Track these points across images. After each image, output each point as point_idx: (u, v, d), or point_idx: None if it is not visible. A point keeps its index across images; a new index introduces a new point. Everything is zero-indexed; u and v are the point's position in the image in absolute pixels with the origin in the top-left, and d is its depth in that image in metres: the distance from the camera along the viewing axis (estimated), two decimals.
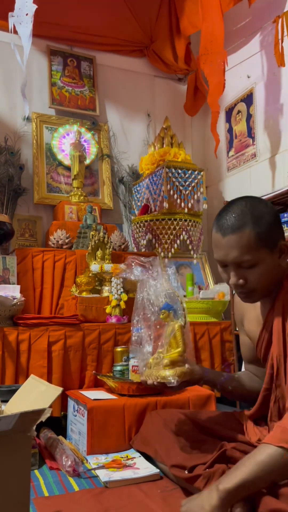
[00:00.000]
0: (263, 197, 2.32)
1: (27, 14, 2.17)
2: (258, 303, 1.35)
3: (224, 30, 2.50)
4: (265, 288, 1.24)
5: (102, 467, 1.51)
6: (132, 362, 1.88)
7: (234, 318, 1.61)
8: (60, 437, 1.77)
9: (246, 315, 1.44)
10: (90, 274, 2.33)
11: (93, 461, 1.57)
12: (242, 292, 1.26)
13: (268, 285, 1.24)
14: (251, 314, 1.41)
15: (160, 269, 1.51)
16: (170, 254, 2.76)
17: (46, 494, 1.35)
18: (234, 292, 1.35)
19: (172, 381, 1.30)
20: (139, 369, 1.47)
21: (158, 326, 1.44)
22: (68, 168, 3.01)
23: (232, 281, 1.23)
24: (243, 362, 1.60)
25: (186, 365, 1.35)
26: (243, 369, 2.25)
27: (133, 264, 1.58)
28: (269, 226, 1.18)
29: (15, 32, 2.25)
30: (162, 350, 1.39)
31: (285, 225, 2.18)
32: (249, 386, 1.48)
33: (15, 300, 2.07)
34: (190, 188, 2.78)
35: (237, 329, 2.34)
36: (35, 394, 1.09)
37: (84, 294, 2.26)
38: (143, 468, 1.50)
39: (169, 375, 1.31)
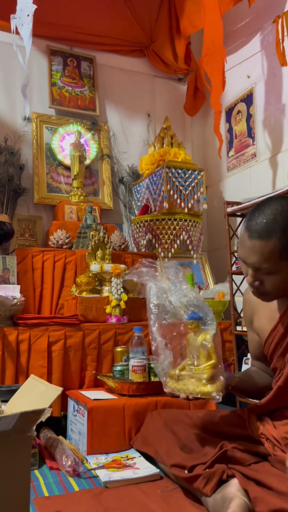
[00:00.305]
0: (263, 197, 2.32)
1: (28, 15, 2.17)
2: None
3: (224, 29, 2.50)
4: (280, 293, 1.25)
5: (102, 467, 1.51)
6: (132, 362, 1.88)
7: (243, 316, 1.59)
8: (60, 437, 1.77)
9: (257, 312, 1.44)
10: (90, 274, 2.33)
11: (93, 461, 1.57)
12: (257, 292, 1.26)
13: (284, 291, 1.24)
14: (262, 311, 1.40)
15: (181, 274, 1.45)
16: (170, 254, 2.76)
17: (46, 494, 1.35)
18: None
19: (217, 397, 1.25)
20: (160, 379, 1.38)
21: (174, 333, 1.38)
22: (68, 168, 3.01)
23: (248, 280, 1.24)
24: (250, 359, 1.59)
25: (221, 377, 1.29)
26: (243, 368, 2.25)
27: (144, 267, 1.50)
28: None
29: (17, 33, 2.25)
30: (192, 362, 1.32)
31: None
32: (258, 381, 1.47)
33: (15, 300, 2.07)
34: (190, 188, 2.78)
35: (237, 329, 2.35)
36: (35, 394, 1.09)
37: (84, 294, 2.26)
38: (143, 468, 1.50)
39: (213, 390, 1.25)
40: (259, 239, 1.17)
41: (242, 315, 1.62)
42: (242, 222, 1.26)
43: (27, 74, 2.36)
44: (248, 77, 3.01)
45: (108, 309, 2.21)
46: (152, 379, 1.89)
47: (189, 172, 2.79)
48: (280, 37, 2.52)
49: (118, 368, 1.96)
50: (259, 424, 1.36)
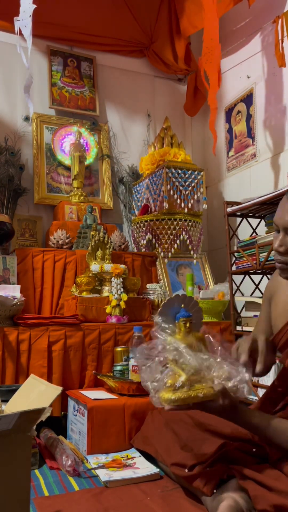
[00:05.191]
0: (263, 197, 2.33)
1: (30, 16, 2.17)
2: None
3: (224, 29, 2.51)
4: None
5: (102, 466, 1.51)
6: (132, 362, 1.88)
7: (264, 291, 1.53)
8: (60, 437, 1.77)
9: (275, 296, 1.39)
10: (90, 274, 2.33)
11: (93, 460, 1.57)
12: (281, 261, 1.24)
13: None
14: (280, 298, 1.37)
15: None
16: (170, 254, 2.76)
17: (46, 493, 1.36)
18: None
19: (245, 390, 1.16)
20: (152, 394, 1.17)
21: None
22: (68, 168, 3.01)
23: (274, 246, 1.24)
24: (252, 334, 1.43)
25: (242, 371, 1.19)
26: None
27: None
28: None
29: (21, 34, 2.25)
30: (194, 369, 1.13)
31: None
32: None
33: (15, 300, 2.08)
34: (190, 188, 2.78)
35: (237, 329, 2.34)
36: (35, 394, 1.09)
37: (84, 294, 2.27)
38: (143, 467, 1.50)
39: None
40: None
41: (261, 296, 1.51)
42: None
43: (30, 74, 2.36)
44: (248, 77, 3.01)
45: (108, 309, 2.21)
46: None
47: (189, 172, 2.79)
48: (280, 37, 2.52)
49: (118, 368, 1.96)
50: None
